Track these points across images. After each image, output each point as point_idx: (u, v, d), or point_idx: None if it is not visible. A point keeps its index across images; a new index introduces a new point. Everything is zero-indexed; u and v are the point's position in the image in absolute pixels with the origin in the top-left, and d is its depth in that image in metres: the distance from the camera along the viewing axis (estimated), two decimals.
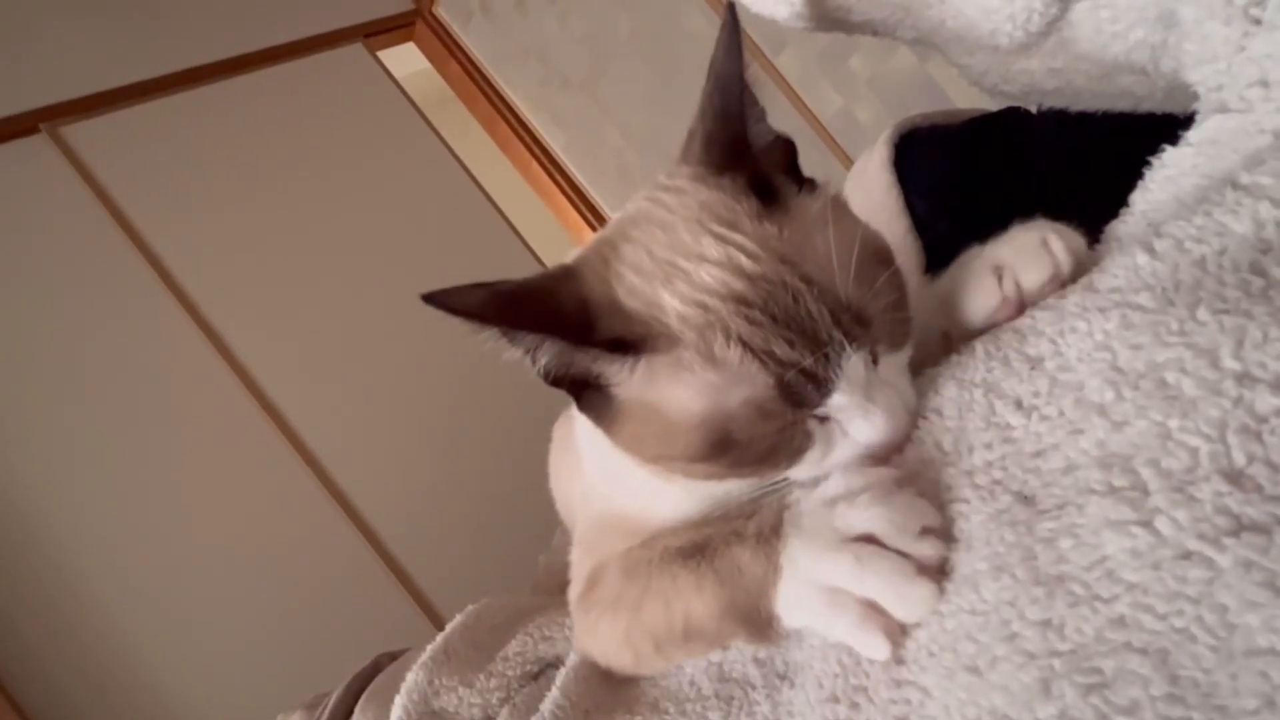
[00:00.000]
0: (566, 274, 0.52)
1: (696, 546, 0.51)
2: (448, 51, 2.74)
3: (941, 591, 0.43)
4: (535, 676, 0.70)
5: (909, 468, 0.49)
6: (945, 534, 0.45)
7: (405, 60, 2.75)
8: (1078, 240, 0.53)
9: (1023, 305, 0.53)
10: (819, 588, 0.45)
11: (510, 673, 0.69)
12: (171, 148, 2.17)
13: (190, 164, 2.18)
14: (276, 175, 2.29)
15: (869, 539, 0.44)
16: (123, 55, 2.18)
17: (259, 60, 2.37)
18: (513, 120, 2.73)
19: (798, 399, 0.47)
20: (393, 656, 0.86)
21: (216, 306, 2.06)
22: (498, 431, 2.18)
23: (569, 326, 0.48)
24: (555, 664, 0.70)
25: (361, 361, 2.21)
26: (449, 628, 0.73)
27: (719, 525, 0.52)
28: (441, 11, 2.73)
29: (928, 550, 0.44)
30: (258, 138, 2.30)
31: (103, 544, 1.79)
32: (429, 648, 0.71)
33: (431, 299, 0.45)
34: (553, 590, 0.76)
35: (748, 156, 0.53)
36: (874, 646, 0.44)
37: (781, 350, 0.46)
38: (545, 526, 0.99)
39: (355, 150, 2.45)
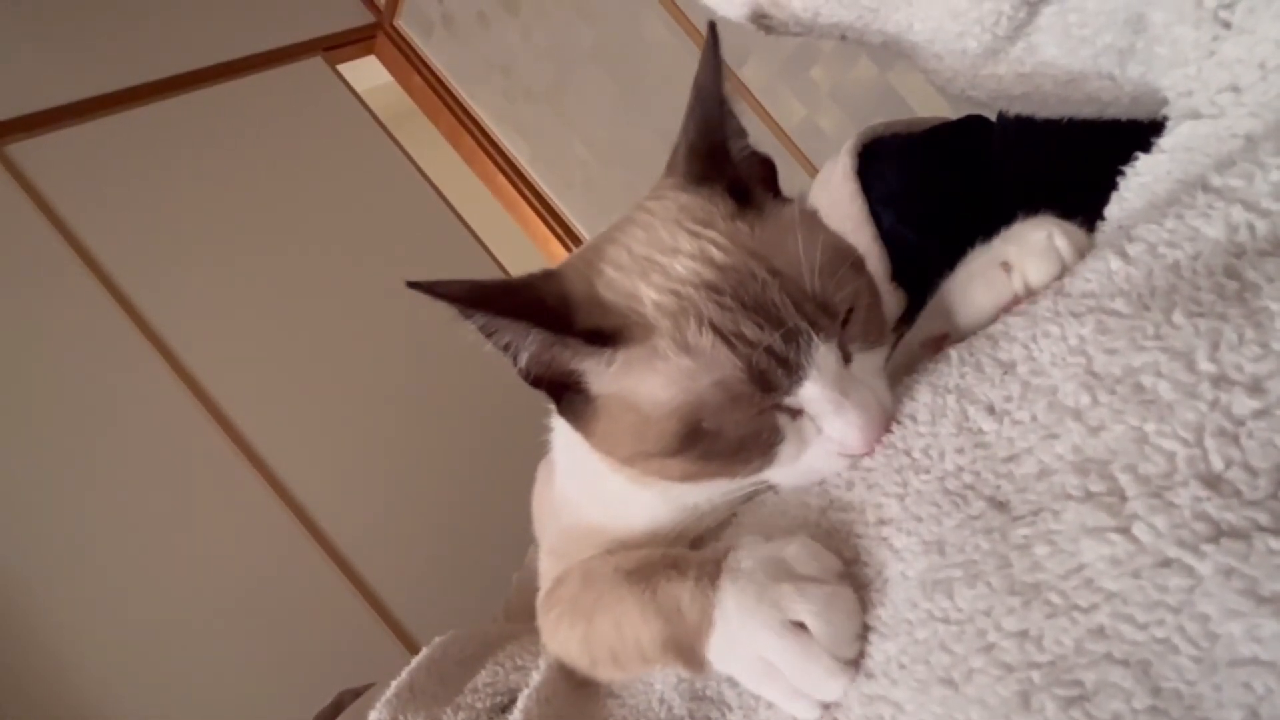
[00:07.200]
0: (549, 274, 0.54)
1: (642, 572, 0.52)
2: (410, 65, 2.72)
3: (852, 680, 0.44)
4: (504, 708, 0.67)
5: (878, 474, 0.49)
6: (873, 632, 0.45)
7: (367, 74, 2.73)
8: (1082, 236, 0.54)
9: None
10: (748, 649, 0.46)
11: (479, 705, 0.66)
12: (124, 166, 2.12)
13: (144, 182, 2.13)
14: (235, 193, 2.25)
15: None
16: (73, 70, 2.13)
17: (215, 75, 2.33)
18: (477, 133, 2.72)
19: (766, 382, 0.48)
20: (356, 693, 0.83)
21: (174, 327, 2.02)
22: (468, 451, 2.16)
23: (550, 316, 0.50)
24: None
25: (327, 379, 2.17)
26: (414, 663, 0.71)
27: (666, 549, 0.53)
28: (402, 24, 2.72)
29: (851, 653, 0.44)
30: (215, 155, 2.26)
31: (55, 571, 1.73)
32: (393, 684, 0.68)
33: (417, 286, 0.47)
34: (526, 608, 0.74)
35: (726, 165, 0.56)
36: (801, 710, 0.45)
37: (751, 332, 0.48)
38: (518, 545, 0.98)
39: (316, 166, 2.41)
